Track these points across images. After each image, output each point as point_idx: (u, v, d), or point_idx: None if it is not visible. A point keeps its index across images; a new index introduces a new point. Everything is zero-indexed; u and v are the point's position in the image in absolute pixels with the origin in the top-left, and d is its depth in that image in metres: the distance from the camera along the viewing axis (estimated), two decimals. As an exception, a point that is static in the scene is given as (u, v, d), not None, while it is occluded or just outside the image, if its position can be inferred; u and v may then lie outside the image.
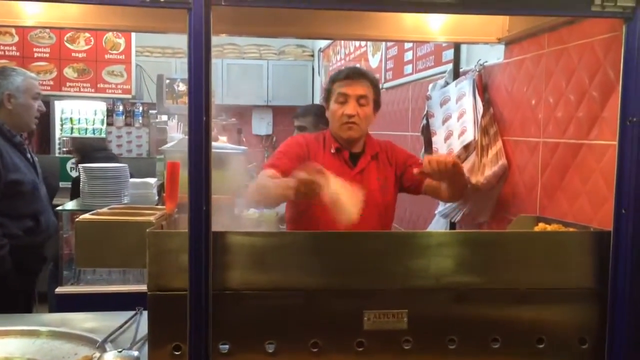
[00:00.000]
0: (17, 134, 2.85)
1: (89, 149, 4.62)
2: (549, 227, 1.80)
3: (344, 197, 1.96)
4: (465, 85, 2.53)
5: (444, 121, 2.63)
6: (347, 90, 2.32)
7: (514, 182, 2.30)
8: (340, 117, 2.31)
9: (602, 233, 1.49)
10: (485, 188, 2.36)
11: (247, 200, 2.36)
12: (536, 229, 1.83)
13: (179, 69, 7.23)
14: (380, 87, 4.26)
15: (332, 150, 2.35)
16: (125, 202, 3.48)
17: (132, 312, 1.97)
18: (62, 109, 6.20)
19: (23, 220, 2.75)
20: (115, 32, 5.39)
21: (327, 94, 2.41)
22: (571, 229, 1.75)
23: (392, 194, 2.41)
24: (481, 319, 1.49)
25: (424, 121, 2.81)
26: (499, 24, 2.29)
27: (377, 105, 2.40)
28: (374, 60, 4.56)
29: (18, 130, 2.87)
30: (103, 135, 6.61)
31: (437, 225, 2.83)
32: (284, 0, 1.38)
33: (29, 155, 2.92)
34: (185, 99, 1.40)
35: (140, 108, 7.10)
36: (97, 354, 1.58)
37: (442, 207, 2.71)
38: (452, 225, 2.72)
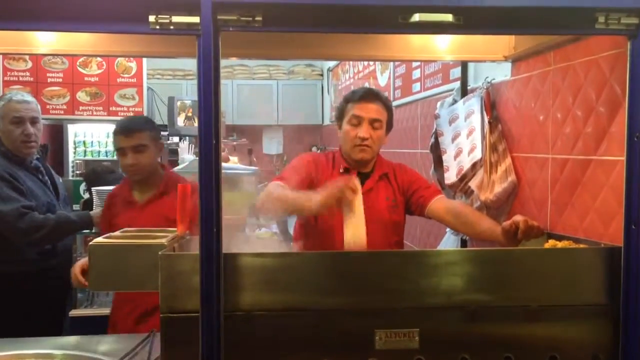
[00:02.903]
0: (26, 157, 2.83)
1: (99, 173, 4.65)
2: (560, 244, 1.80)
3: (356, 220, 2.00)
4: (473, 102, 2.54)
5: (454, 139, 2.64)
6: (361, 113, 2.33)
7: (523, 199, 2.30)
8: (353, 139, 2.32)
9: (613, 249, 1.49)
10: (495, 205, 2.36)
11: (260, 209, 2.36)
12: (546, 245, 1.83)
13: (189, 90, 7.31)
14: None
15: (341, 170, 2.36)
16: (138, 224, 3.49)
17: (146, 334, 1.98)
18: (75, 132, 6.27)
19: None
20: (126, 56, 5.46)
21: (340, 113, 2.41)
22: (582, 245, 1.75)
23: (402, 214, 2.42)
24: (493, 337, 1.49)
25: (433, 139, 2.82)
26: (505, 42, 2.30)
27: (389, 127, 2.42)
28: (382, 78, 4.59)
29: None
30: (116, 158, 6.67)
31: (448, 243, 2.82)
32: (290, 25, 1.41)
33: (46, 178, 2.92)
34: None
35: (152, 130, 7.15)
36: (111, 377, 1.59)
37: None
38: (463, 243, 2.72)
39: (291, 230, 2.68)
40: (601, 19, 1.38)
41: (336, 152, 2.46)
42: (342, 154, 2.42)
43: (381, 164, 2.44)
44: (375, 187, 2.38)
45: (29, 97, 2.93)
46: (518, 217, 1.96)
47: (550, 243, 1.82)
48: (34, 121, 2.85)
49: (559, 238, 1.86)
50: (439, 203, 2.37)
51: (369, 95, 2.38)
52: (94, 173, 4.50)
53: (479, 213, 2.34)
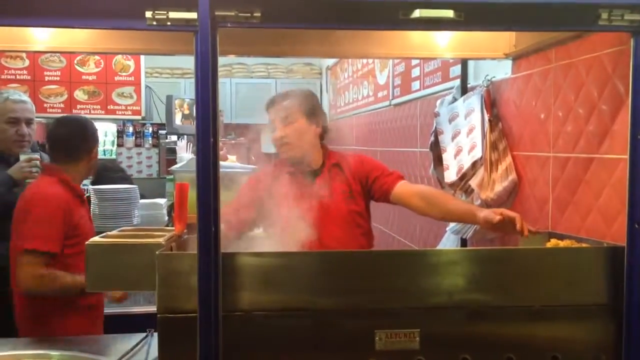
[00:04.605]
0: (11, 155, 2.79)
1: (102, 170, 4.64)
2: (562, 243, 1.78)
3: None
4: (473, 100, 2.52)
5: (453, 137, 2.63)
6: (272, 116, 2.40)
7: (524, 198, 2.28)
8: (274, 142, 2.40)
9: (616, 248, 1.48)
10: (496, 204, 2.34)
11: None
12: (548, 244, 1.82)
13: (188, 89, 7.28)
14: (389, 103, 4.28)
15: (287, 174, 2.35)
16: (136, 223, 3.48)
17: (143, 334, 1.96)
18: (73, 130, 6.24)
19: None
20: (124, 55, 5.43)
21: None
22: (584, 245, 1.73)
23: (360, 204, 2.40)
24: (495, 337, 1.48)
25: (433, 138, 2.80)
26: (505, 39, 2.29)
27: (310, 116, 2.40)
28: (381, 77, 4.58)
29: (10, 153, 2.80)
30: (114, 157, 6.67)
31: (448, 242, 2.81)
32: (289, 21, 1.39)
33: None
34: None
35: (150, 129, 7.16)
36: (108, 378, 1.58)
37: (453, 224, 2.69)
38: (463, 242, 2.70)
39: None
40: (604, 15, 1.36)
41: (282, 160, 2.47)
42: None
43: (330, 157, 2.45)
44: (326, 182, 2.38)
45: (25, 97, 2.92)
46: (512, 214, 1.95)
47: (552, 242, 1.81)
48: (29, 122, 2.84)
49: (561, 237, 1.84)
50: (403, 187, 2.35)
51: (275, 97, 2.46)
52: (104, 169, 4.48)
53: (447, 194, 2.34)
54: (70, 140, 2.49)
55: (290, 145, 2.37)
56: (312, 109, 2.43)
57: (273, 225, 2.25)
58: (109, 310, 2.76)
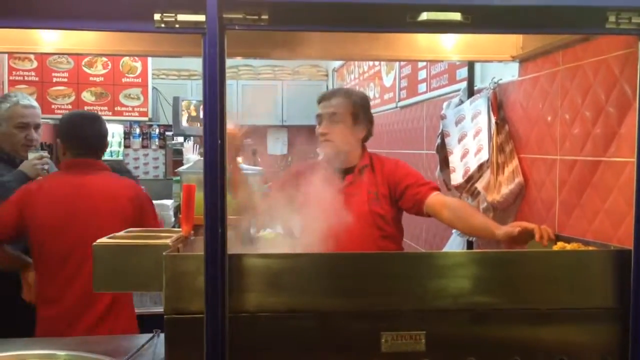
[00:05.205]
0: (17, 157, 2.82)
1: (116, 170, 4.65)
2: (568, 246, 1.78)
3: None
4: (480, 103, 2.52)
5: (460, 140, 2.62)
6: (321, 111, 2.46)
7: (531, 200, 2.28)
8: (318, 136, 2.46)
9: (623, 251, 1.47)
10: (502, 206, 2.34)
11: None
12: (555, 247, 1.81)
13: (194, 91, 7.31)
14: (395, 105, 4.28)
15: (320, 170, 2.36)
16: (143, 224, 3.48)
17: (150, 335, 1.97)
18: (80, 132, 6.26)
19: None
20: (131, 56, 5.45)
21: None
22: (591, 248, 1.73)
23: (385, 207, 2.39)
24: (501, 340, 1.48)
25: (439, 140, 2.80)
26: (513, 42, 2.29)
27: (357, 119, 2.44)
28: (387, 79, 4.58)
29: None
30: (120, 158, 6.70)
31: (454, 244, 2.81)
32: (296, 24, 1.40)
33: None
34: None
35: (157, 130, 7.19)
36: (115, 378, 1.58)
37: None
38: (469, 244, 2.70)
39: (296, 232, 2.67)
40: (612, 19, 1.36)
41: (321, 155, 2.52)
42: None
43: (365, 157, 2.47)
44: (355, 181, 2.40)
45: (34, 102, 2.97)
46: (531, 225, 1.95)
47: (559, 245, 1.80)
48: (37, 126, 2.90)
49: (568, 240, 1.84)
50: (436, 198, 2.33)
51: (329, 93, 2.52)
52: (111, 170, 4.49)
53: (474, 208, 2.34)
54: (104, 137, 2.63)
55: (330, 143, 2.41)
56: (360, 112, 2.46)
57: (293, 218, 2.27)
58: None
